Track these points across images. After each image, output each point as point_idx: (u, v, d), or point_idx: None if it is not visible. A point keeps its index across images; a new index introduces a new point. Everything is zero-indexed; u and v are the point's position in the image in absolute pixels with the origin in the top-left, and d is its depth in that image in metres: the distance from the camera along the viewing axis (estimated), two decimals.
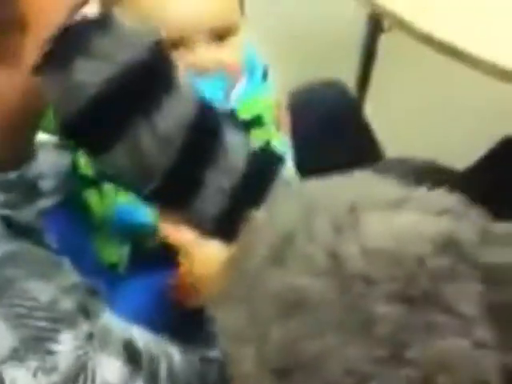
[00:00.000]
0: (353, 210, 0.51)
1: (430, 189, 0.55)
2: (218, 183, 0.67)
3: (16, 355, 0.58)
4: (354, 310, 0.47)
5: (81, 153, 0.84)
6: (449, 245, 0.49)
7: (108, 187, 0.89)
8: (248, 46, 0.86)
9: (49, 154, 0.87)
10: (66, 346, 0.59)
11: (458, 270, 0.47)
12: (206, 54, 0.81)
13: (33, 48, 0.61)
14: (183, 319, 0.80)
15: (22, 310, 0.60)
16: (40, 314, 0.60)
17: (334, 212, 0.51)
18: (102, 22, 0.62)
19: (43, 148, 0.69)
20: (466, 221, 0.52)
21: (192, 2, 0.81)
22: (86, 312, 0.63)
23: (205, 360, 0.74)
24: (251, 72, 0.86)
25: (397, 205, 0.52)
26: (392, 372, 0.46)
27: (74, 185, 0.90)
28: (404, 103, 1.79)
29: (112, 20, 0.63)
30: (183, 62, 0.78)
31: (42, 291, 0.61)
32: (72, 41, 0.62)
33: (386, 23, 1.52)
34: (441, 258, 0.48)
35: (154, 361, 0.67)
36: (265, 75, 0.87)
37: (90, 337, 0.61)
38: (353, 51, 1.64)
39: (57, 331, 0.59)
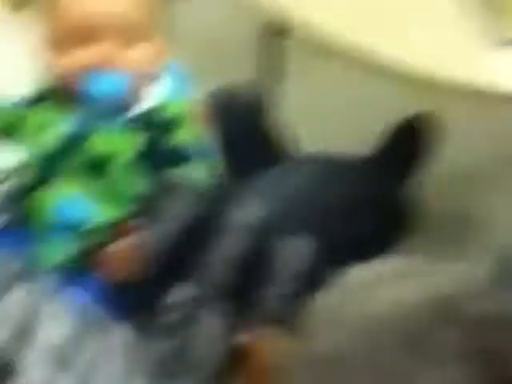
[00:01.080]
0: None
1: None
2: None
3: None
4: None
5: None
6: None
7: (45, 188, 0.94)
8: (171, 55, 0.94)
9: None
10: (12, 302, 0.67)
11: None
12: (113, 47, 0.88)
13: None
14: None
15: None
16: None
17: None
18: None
19: None
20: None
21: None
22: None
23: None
24: (173, 78, 0.95)
25: None
26: None
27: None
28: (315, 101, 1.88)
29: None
30: (91, 54, 0.86)
31: None
32: None
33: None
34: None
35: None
36: (186, 81, 0.96)
37: (31, 293, 0.69)
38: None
39: (10, 287, 0.65)
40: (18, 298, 0.68)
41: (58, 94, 0.94)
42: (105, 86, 0.88)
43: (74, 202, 0.93)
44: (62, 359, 0.70)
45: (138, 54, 0.90)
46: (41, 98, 0.96)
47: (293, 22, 1.17)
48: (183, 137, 0.92)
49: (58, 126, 0.94)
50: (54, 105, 0.95)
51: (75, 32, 0.88)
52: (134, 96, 0.91)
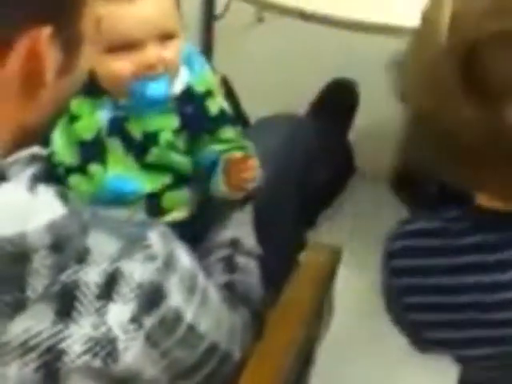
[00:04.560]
0: None
1: None
2: None
3: (125, 253, 0.75)
4: None
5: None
6: None
7: (94, 167, 1.06)
8: (186, 44, 1.09)
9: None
10: (155, 240, 0.78)
11: None
12: (154, 53, 1.02)
13: (85, 58, 0.76)
14: None
15: (114, 225, 0.78)
16: (126, 225, 0.79)
17: None
18: None
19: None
20: None
21: (144, 11, 1.01)
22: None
23: None
24: (191, 63, 1.10)
25: None
26: None
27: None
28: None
29: None
30: (136, 61, 1.01)
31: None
32: None
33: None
34: None
35: None
36: (203, 63, 1.12)
37: (164, 234, 0.81)
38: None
39: (145, 231, 0.78)
40: (157, 237, 0.78)
41: (89, 89, 1.06)
42: (153, 91, 1.02)
43: (120, 177, 1.06)
44: (190, 286, 0.81)
45: (173, 52, 1.03)
46: None
47: None
48: (216, 105, 1.09)
49: (95, 114, 1.06)
50: (84, 98, 1.07)
51: (121, 45, 1.00)
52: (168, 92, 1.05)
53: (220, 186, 1.07)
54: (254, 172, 1.05)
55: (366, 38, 1.48)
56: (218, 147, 1.09)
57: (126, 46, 1.01)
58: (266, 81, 2.17)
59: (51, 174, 1.04)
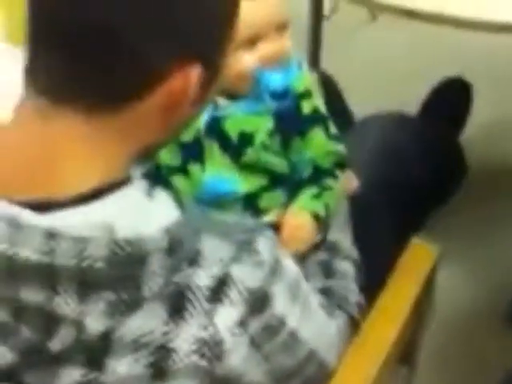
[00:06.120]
0: None
1: None
2: None
3: (236, 258, 0.76)
4: None
5: None
6: None
7: (193, 167, 1.07)
8: None
9: None
10: (262, 246, 0.79)
11: None
12: (277, 44, 1.01)
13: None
14: None
15: (224, 229, 0.79)
16: (236, 230, 0.80)
17: None
18: None
19: None
20: None
21: (263, 4, 1.00)
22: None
23: None
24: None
25: None
26: None
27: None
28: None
29: None
30: (261, 54, 1.01)
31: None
32: None
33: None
34: None
35: None
36: (301, 61, 1.10)
37: (272, 240, 0.81)
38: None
39: (253, 237, 0.79)
40: (264, 243, 0.79)
41: None
42: (275, 82, 1.01)
43: (217, 178, 1.06)
44: (294, 292, 0.82)
45: (287, 42, 1.02)
46: None
47: None
48: (310, 105, 1.08)
49: None
50: None
51: (247, 38, 0.99)
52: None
53: None
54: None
55: (478, 36, 1.44)
56: (308, 153, 1.08)
57: (251, 39, 1.00)
58: (376, 81, 2.14)
59: (156, 175, 1.06)
